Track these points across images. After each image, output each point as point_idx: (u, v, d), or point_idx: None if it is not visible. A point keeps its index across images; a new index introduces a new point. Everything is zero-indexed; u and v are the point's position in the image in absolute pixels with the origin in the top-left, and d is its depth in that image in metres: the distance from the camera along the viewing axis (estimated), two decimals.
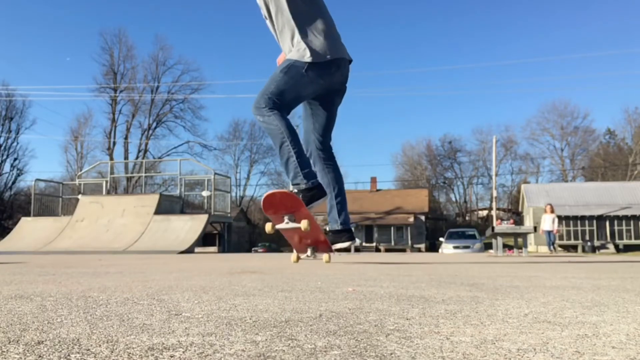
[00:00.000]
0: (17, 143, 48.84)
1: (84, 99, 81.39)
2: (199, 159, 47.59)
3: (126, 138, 51.50)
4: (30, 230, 17.46)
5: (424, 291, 1.68)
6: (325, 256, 3.80)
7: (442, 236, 29.65)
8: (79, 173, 26.74)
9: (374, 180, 43.93)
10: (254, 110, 3.31)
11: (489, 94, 71.85)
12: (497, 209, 27.32)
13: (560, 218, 24.27)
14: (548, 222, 14.95)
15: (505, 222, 15.15)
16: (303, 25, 3.38)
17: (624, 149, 49.67)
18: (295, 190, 3.28)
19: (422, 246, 38.06)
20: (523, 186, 36.64)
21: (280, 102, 3.27)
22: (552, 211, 15.18)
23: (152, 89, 51.39)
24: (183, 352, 0.75)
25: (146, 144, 50.95)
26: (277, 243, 41.74)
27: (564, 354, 0.74)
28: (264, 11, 3.53)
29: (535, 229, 12.88)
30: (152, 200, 17.47)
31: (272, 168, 53.14)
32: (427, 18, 73.25)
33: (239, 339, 0.84)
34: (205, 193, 18.77)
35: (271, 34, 3.62)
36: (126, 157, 49.86)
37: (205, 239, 23.64)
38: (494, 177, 23.41)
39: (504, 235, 10.62)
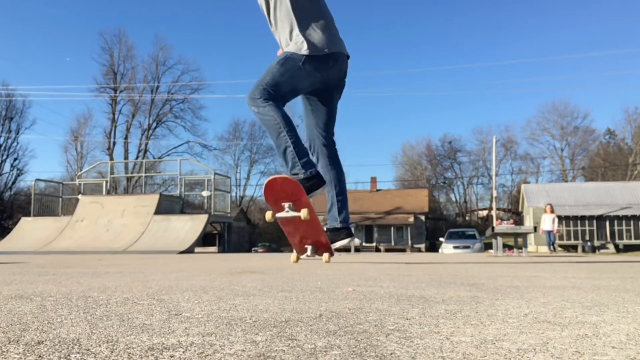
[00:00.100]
0: (17, 143, 48.94)
1: (84, 99, 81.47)
2: (199, 159, 47.66)
3: (126, 138, 51.55)
4: (30, 230, 17.45)
5: (424, 291, 1.68)
6: (325, 256, 3.79)
7: (442, 236, 29.65)
8: (79, 173, 26.74)
9: (374, 180, 43.95)
10: (249, 101, 3.28)
11: (489, 94, 71.91)
12: (497, 209, 27.32)
13: (560, 218, 24.28)
14: (548, 222, 14.95)
15: (505, 222, 15.17)
16: (302, 18, 3.38)
17: (624, 149, 49.67)
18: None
19: (422, 246, 38.06)
20: (523, 186, 36.64)
21: (275, 94, 3.24)
22: (552, 211, 15.18)
23: (152, 89, 51.45)
24: (183, 352, 0.75)
25: (146, 144, 50.99)
26: (277, 243, 41.75)
27: (564, 354, 0.74)
28: (262, 2, 3.51)
29: (535, 229, 12.90)
30: (152, 200, 17.46)
31: (272, 168, 53.09)
32: (427, 18, 73.33)
33: (239, 339, 0.84)
34: (205, 193, 18.77)
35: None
36: (126, 157, 49.89)
37: (205, 239, 23.64)
38: (494, 177, 23.41)
39: (504, 235, 10.62)
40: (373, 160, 79.56)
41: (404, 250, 34.89)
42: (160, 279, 2.24)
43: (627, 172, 45.70)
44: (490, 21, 72.67)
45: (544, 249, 22.57)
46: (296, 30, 3.36)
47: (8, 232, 20.01)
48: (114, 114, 51.22)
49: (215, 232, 23.57)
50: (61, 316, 1.10)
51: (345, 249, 17.35)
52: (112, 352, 0.75)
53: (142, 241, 15.31)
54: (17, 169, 48.40)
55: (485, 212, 49.87)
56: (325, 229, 3.70)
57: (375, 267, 3.55)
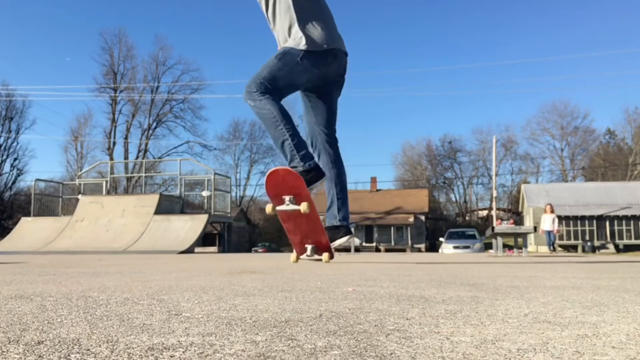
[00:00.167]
0: (17, 143, 48.95)
1: (84, 99, 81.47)
2: (199, 159, 47.65)
3: (126, 138, 51.55)
4: (30, 230, 17.45)
5: (424, 291, 1.68)
6: (325, 256, 3.79)
7: (442, 236, 29.65)
8: (79, 173, 26.74)
9: (374, 180, 43.96)
10: (245, 95, 3.25)
11: (489, 94, 71.92)
12: (497, 209, 27.32)
13: (560, 218, 24.28)
14: (548, 222, 14.95)
15: (505, 222, 15.15)
16: (302, 15, 3.37)
17: (624, 149, 49.67)
18: None
19: (422, 246, 38.06)
20: (523, 186, 36.64)
21: (272, 88, 3.22)
22: (552, 211, 15.18)
23: (152, 89, 51.45)
24: (183, 352, 0.75)
25: (146, 144, 50.99)
26: (277, 243, 41.77)
27: (564, 354, 0.74)
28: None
29: (535, 229, 12.90)
30: (152, 200, 17.47)
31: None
32: (427, 18, 73.35)
33: (239, 339, 0.84)
34: (205, 193, 18.77)
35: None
36: (126, 157, 49.89)
37: (205, 239, 23.64)
38: (494, 177, 23.41)
39: (504, 235, 10.62)
40: (373, 160, 79.65)
41: (404, 250, 34.88)
42: (160, 279, 2.24)
43: (627, 172, 45.71)
44: (490, 21, 72.76)
45: (544, 249, 22.57)
46: (295, 27, 3.35)
47: (8, 232, 20.01)
48: (114, 114, 51.27)
49: (215, 232, 23.57)
50: (61, 316, 1.10)
51: (345, 249, 17.36)
52: (112, 352, 0.75)
53: (142, 241, 15.31)
54: (17, 169, 48.48)
55: (485, 212, 49.87)
56: (324, 227, 3.69)
57: (375, 267, 3.55)
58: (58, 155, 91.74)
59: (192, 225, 16.04)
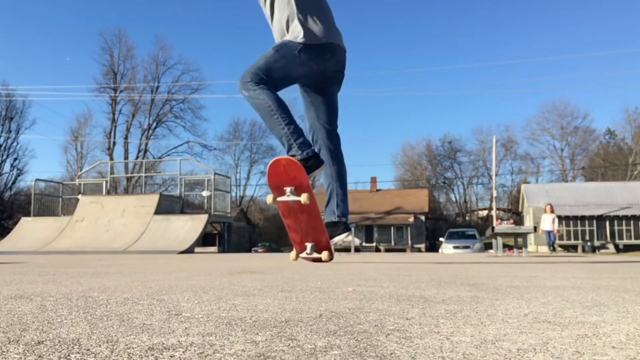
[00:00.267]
0: (17, 143, 48.88)
1: (84, 99, 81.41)
2: (199, 159, 47.63)
3: (126, 138, 51.53)
4: (30, 230, 17.46)
5: (424, 291, 1.68)
6: (324, 254, 3.79)
7: (442, 236, 29.65)
8: (79, 173, 26.74)
9: (374, 180, 43.94)
10: (240, 85, 3.22)
11: (489, 94, 71.90)
12: (497, 209, 27.32)
13: (560, 218, 24.27)
14: (548, 222, 14.94)
15: (505, 222, 15.16)
16: (302, 9, 3.36)
17: (624, 149, 49.66)
18: None
19: (422, 246, 38.05)
20: (523, 186, 36.63)
21: (267, 78, 3.19)
22: (552, 211, 15.17)
23: (152, 89, 51.42)
24: (183, 352, 0.75)
25: (146, 144, 50.98)
26: (277, 243, 41.78)
27: (564, 354, 0.74)
28: None
29: (535, 229, 12.89)
30: (152, 200, 17.46)
31: None
32: (427, 18, 73.31)
33: (239, 339, 0.84)
34: (205, 193, 18.77)
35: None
36: (126, 157, 49.87)
37: (205, 239, 23.63)
38: (494, 177, 23.41)
39: (504, 235, 10.62)
40: (373, 160, 79.64)
41: (404, 250, 34.88)
42: (160, 279, 2.24)
43: (627, 172, 45.70)
44: (490, 21, 72.72)
45: (544, 249, 22.57)
46: (295, 20, 3.34)
47: (8, 232, 20.01)
48: (114, 114, 51.24)
49: (215, 232, 23.57)
50: (61, 316, 1.10)
51: (345, 249, 17.36)
52: (112, 352, 0.75)
53: (142, 241, 15.31)
54: (17, 169, 48.45)
55: (485, 212, 49.86)
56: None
57: (375, 267, 3.55)
58: (58, 155, 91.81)
59: (192, 225, 16.04)
